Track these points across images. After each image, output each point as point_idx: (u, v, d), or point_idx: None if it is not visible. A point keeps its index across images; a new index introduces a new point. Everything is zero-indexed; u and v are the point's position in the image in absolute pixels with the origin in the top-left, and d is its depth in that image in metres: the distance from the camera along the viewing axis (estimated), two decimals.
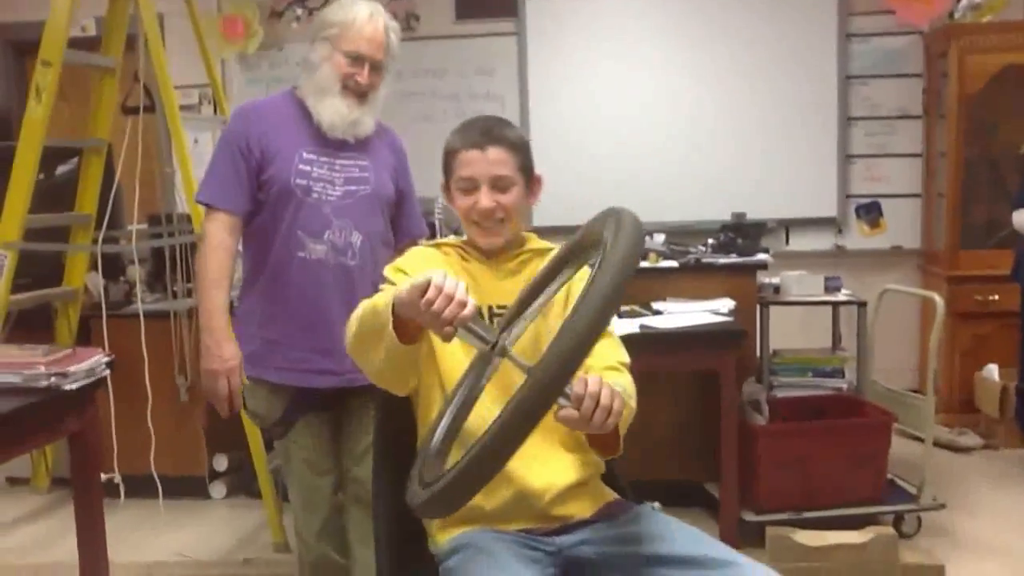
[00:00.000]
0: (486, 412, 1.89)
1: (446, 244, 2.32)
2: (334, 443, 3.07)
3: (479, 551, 1.99)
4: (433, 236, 3.77)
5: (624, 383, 2.07)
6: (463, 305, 1.74)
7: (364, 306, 2.00)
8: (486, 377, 1.97)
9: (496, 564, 1.95)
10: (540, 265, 2.25)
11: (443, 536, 2.12)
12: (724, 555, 1.96)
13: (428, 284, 1.74)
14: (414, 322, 1.84)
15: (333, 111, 2.88)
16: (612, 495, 2.24)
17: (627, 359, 2.21)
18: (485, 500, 2.06)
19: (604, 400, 1.79)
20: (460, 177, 2.21)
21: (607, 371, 2.10)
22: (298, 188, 2.87)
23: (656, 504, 2.19)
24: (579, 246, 1.90)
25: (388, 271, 2.23)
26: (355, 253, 2.91)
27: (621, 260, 1.62)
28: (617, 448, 2.04)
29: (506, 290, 2.21)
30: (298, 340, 2.92)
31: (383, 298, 1.92)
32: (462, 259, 2.27)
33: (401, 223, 3.14)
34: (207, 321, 2.91)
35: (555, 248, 2.29)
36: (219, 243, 2.89)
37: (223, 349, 2.90)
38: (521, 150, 2.25)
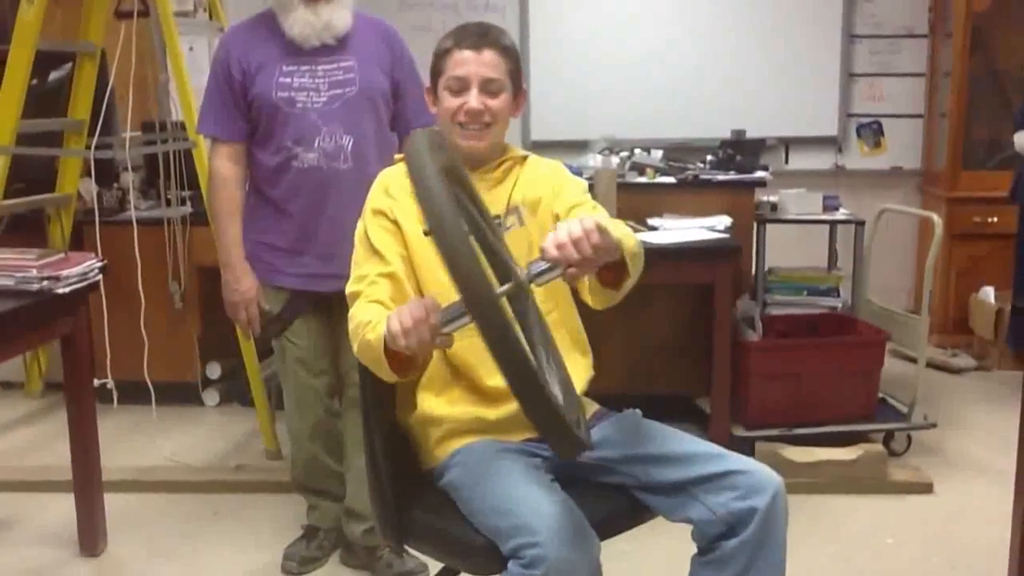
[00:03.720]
0: None
1: None
2: (331, 346, 3.10)
3: (484, 463, 2.01)
4: None
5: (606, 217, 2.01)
6: (425, 320, 1.75)
7: (356, 341, 1.98)
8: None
9: (503, 474, 1.98)
10: (523, 173, 2.26)
11: (442, 450, 2.13)
12: (712, 450, 2.03)
13: (391, 337, 1.78)
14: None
15: (302, 23, 2.87)
16: (595, 406, 2.29)
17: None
18: (489, 411, 2.11)
19: (575, 233, 1.70)
20: (452, 76, 2.16)
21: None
22: (281, 101, 2.89)
23: (637, 410, 2.22)
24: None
25: (358, 235, 2.19)
26: (347, 157, 2.91)
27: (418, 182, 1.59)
28: (627, 272, 1.94)
29: (496, 198, 2.20)
30: (297, 245, 2.98)
31: (374, 334, 1.89)
32: None
33: (405, 114, 3.09)
34: (224, 256, 3.04)
35: (530, 155, 2.30)
36: (224, 176, 3.00)
37: (240, 282, 3.03)
38: (513, 57, 2.22)
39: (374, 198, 2.20)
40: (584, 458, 2.09)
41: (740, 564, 1.93)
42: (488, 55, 2.16)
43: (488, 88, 2.16)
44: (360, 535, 3.13)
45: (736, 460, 1.99)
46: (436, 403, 2.14)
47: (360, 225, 2.19)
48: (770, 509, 1.91)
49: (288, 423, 3.19)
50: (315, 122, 2.89)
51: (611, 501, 2.08)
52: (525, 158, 2.30)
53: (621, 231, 1.92)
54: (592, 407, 2.27)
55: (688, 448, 2.03)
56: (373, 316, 1.95)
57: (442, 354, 2.12)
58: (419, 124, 3.06)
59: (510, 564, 1.81)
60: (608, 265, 1.86)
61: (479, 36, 2.17)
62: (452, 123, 2.18)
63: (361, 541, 3.14)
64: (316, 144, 2.89)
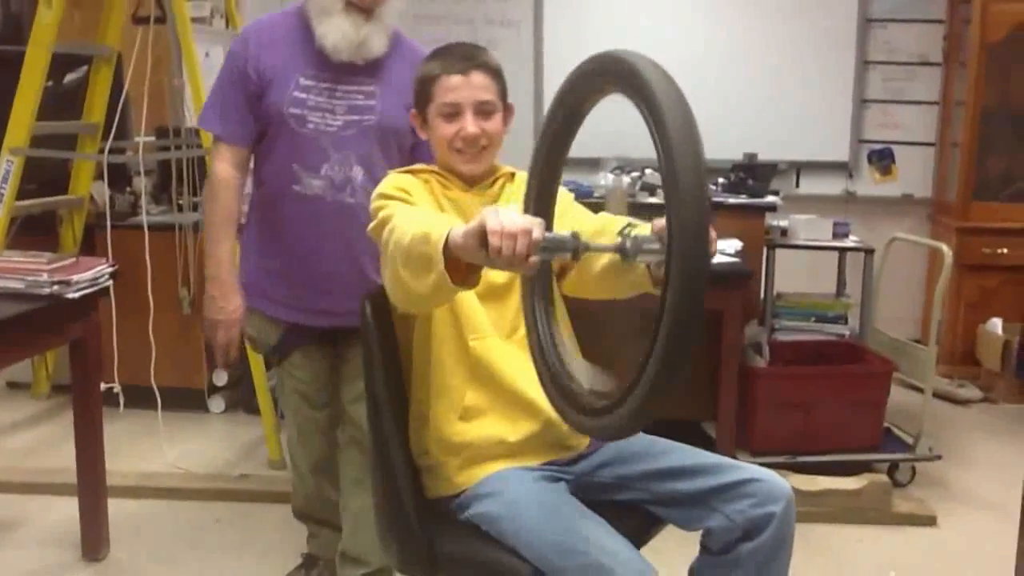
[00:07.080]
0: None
1: (422, 171, 2.24)
2: (332, 378, 2.92)
3: (522, 494, 1.98)
4: None
5: None
6: (529, 232, 1.59)
7: (409, 235, 1.84)
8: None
9: (551, 507, 1.95)
10: (513, 189, 2.26)
11: (464, 477, 2.10)
12: (723, 461, 2.09)
13: (483, 230, 1.60)
14: (471, 264, 1.72)
15: (337, 32, 2.60)
16: None
17: None
18: (509, 432, 2.09)
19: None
20: (443, 103, 2.16)
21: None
22: (292, 118, 2.66)
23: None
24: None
25: (376, 200, 2.11)
26: (354, 190, 2.70)
27: (680, 117, 1.58)
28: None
29: None
30: (294, 275, 2.77)
31: (435, 229, 1.75)
32: (443, 187, 2.22)
33: (420, 150, 2.75)
34: (213, 269, 2.78)
35: (517, 172, 2.29)
36: (224, 180, 2.75)
37: (228, 300, 2.78)
38: (500, 76, 2.22)
39: (388, 188, 2.13)
40: (601, 477, 2.14)
41: (754, 565, 1.99)
42: (477, 77, 2.16)
43: (482, 111, 2.17)
44: None
45: (749, 469, 2.04)
46: (456, 427, 2.10)
47: (373, 205, 2.12)
48: (785, 513, 1.98)
49: (290, 450, 3.08)
50: (325, 147, 2.67)
51: (627, 519, 2.08)
52: (513, 175, 2.30)
53: None
54: None
55: (701, 460, 2.09)
56: (437, 219, 1.88)
57: (475, 381, 2.11)
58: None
59: None
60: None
61: (465, 59, 2.16)
62: (449, 149, 2.18)
63: None
64: (322, 171, 2.68)
